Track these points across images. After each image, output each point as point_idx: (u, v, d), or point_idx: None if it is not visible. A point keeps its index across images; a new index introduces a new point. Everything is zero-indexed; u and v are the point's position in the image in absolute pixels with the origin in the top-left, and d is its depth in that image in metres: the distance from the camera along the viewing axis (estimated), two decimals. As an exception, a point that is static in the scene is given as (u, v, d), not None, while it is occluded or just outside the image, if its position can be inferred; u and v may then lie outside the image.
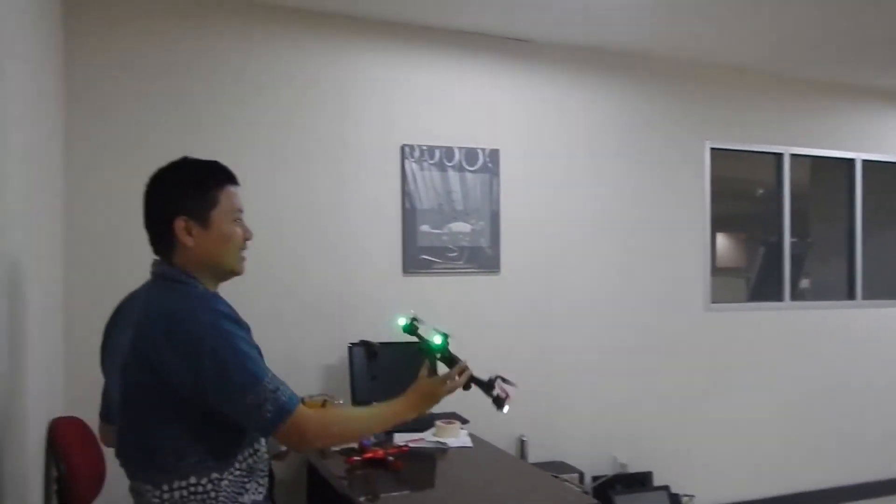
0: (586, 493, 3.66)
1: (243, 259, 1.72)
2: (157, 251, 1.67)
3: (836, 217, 4.98)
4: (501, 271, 3.87)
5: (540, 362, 3.95)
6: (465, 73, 3.84)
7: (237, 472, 1.60)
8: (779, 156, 4.66)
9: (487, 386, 1.97)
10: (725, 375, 4.42)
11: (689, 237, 4.36)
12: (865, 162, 4.88)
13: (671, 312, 4.30)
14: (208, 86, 3.34)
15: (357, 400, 3.30)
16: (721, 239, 4.74)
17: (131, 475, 1.63)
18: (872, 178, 4.90)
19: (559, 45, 4.00)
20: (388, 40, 3.69)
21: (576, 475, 3.67)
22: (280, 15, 3.47)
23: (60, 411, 2.46)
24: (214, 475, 1.56)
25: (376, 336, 3.30)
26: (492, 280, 3.86)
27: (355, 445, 2.77)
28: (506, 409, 1.98)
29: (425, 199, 3.72)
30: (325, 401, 3.25)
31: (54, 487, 2.19)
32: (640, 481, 4.00)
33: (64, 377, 2.89)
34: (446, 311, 3.74)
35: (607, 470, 4.02)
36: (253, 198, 1.75)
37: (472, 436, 3.12)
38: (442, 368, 1.94)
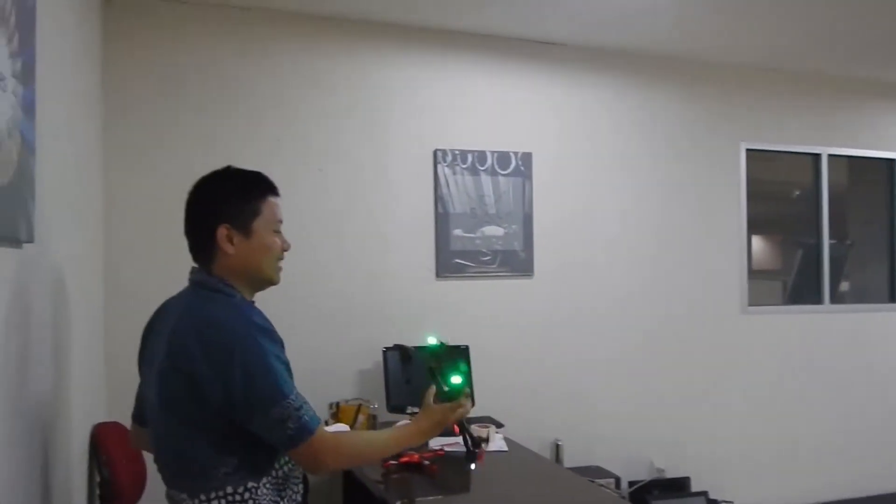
0: (623, 497, 3.62)
1: (280, 269, 1.73)
2: (196, 258, 1.69)
3: (876, 218, 4.88)
4: (535, 274, 3.86)
5: (574, 365, 3.92)
6: (497, 77, 3.84)
7: (273, 481, 1.60)
8: (816, 156, 4.57)
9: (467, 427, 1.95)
10: (764, 379, 4.34)
11: (724, 239, 4.30)
12: (906, 161, 4.78)
13: (707, 315, 4.24)
14: (242, 94, 3.38)
15: (391, 404, 3.31)
16: (757, 241, 4.66)
17: (167, 482, 1.64)
18: (914, 178, 4.79)
19: (590, 48, 3.98)
20: (419, 46, 3.70)
21: (612, 480, 3.64)
22: (312, 23, 3.50)
23: (102, 416, 2.51)
24: (251, 484, 1.56)
25: (411, 340, 3.30)
26: (525, 283, 3.85)
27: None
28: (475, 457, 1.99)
29: (458, 203, 3.72)
30: (360, 405, 3.28)
31: (97, 491, 2.23)
32: (678, 487, 3.95)
33: (105, 383, 2.94)
34: (479, 314, 3.74)
35: (644, 475, 3.98)
36: (287, 204, 1.76)
37: (507, 440, 3.10)
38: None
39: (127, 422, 1.93)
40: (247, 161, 1.77)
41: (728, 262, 4.31)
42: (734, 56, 4.20)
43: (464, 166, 3.73)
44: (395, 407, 3.29)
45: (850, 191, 5.05)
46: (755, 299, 4.40)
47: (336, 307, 3.50)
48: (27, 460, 1.62)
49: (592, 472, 3.66)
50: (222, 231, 1.63)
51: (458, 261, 3.71)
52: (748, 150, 4.37)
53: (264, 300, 1.72)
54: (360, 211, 3.57)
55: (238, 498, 1.55)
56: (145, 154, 3.23)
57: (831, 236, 4.59)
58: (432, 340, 2.13)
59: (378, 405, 3.32)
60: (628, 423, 4.02)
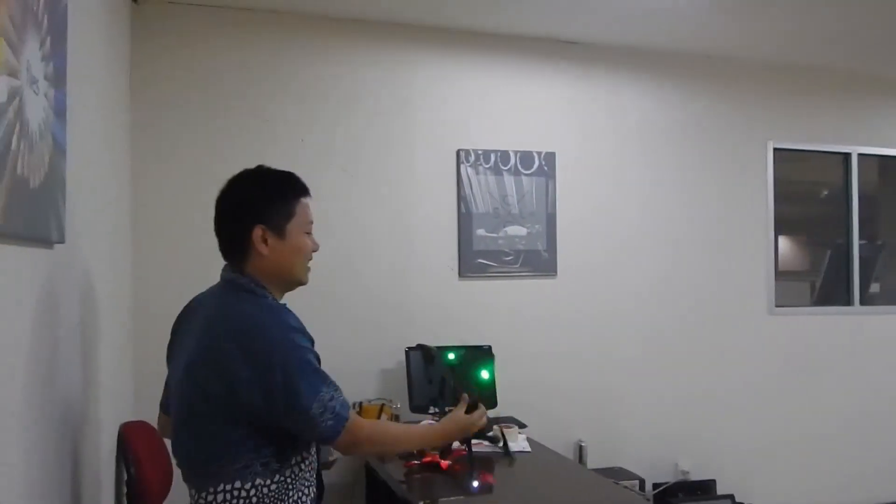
0: (647, 500, 3.59)
1: (309, 270, 1.75)
2: (227, 257, 1.70)
3: (908, 218, 4.79)
4: (558, 274, 3.84)
5: (598, 366, 3.89)
6: (520, 77, 3.83)
7: (281, 481, 1.61)
8: (846, 155, 4.50)
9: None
10: (792, 381, 4.28)
11: (751, 239, 4.25)
12: (939, 160, 4.68)
13: (733, 316, 4.19)
14: (268, 95, 3.41)
15: (414, 404, 3.32)
16: (784, 241, 4.60)
17: (184, 476, 1.67)
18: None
19: (614, 46, 3.95)
20: (441, 47, 3.70)
21: (636, 482, 3.61)
22: (337, 26, 3.52)
23: (130, 416, 2.54)
24: (259, 481, 1.57)
25: (433, 340, 3.31)
26: (548, 283, 3.83)
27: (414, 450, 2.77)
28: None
29: (481, 203, 3.71)
30: (382, 405, 3.29)
31: (124, 490, 2.25)
32: (703, 489, 3.90)
33: (132, 382, 2.98)
34: (502, 315, 3.73)
35: (668, 477, 3.94)
36: (311, 205, 1.77)
37: (530, 440, 3.10)
38: None
39: (154, 421, 1.95)
40: (272, 161, 1.78)
41: (755, 262, 4.25)
42: (761, 53, 4.14)
43: (487, 166, 3.72)
44: (418, 407, 3.29)
45: (882, 191, 4.96)
46: (782, 300, 4.34)
47: (359, 307, 3.51)
48: (57, 457, 1.65)
49: (616, 474, 3.63)
50: (257, 232, 1.64)
51: (480, 261, 3.71)
52: (776, 149, 4.30)
53: (288, 301, 1.73)
54: (384, 211, 3.58)
55: (244, 494, 1.57)
56: (172, 155, 3.26)
57: (861, 237, 4.51)
58: (451, 356, 2.30)
59: (401, 405, 3.33)
60: (653, 424, 3.98)
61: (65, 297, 1.74)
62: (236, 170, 1.74)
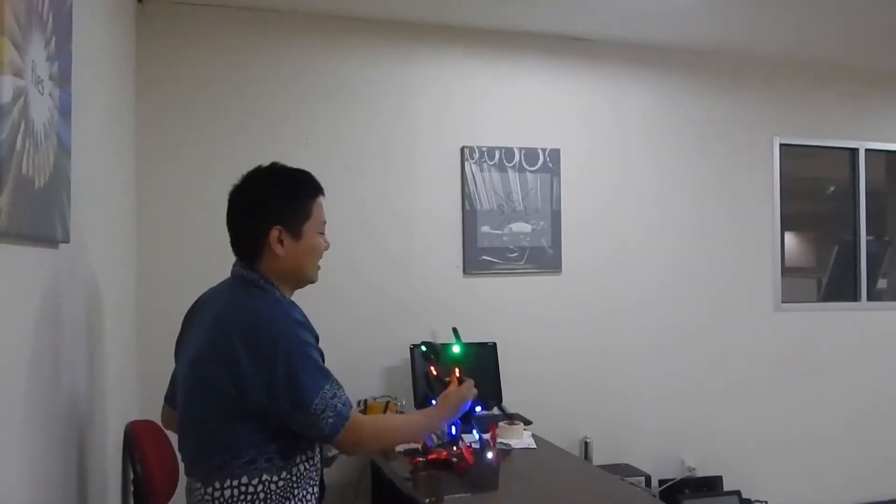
0: (654, 496, 3.59)
1: (318, 269, 1.76)
2: (239, 253, 1.70)
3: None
4: (563, 271, 3.83)
5: (604, 363, 3.89)
6: (524, 73, 3.82)
7: (287, 478, 1.62)
8: (853, 151, 4.48)
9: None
10: (798, 377, 4.27)
11: (757, 235, 4.23)
12: (947, 155, 4.65)
13: (739, 312, 4.18)
14: (272, 94, 3.42)
15: (419, 402, 3.32)
16: (791, 238, 4.58)
17: (188, 470, 1.67)
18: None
19: (618, 43, 3.94)
20: (446, 44, 3.69)
21: (641, 478, 3.61)
22: (341, 24, 3.52)
23: (136, 414, 2.55)
24: (265, 477, 1.58)
25: (438, 337, 3.31)
26: (553, 280, 3.83)
27: (419, 447, 2.77)
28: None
29: (485, 200, 3.71)
30: (388, 403, 3.29)
31: (131, 488, 2.26)
32: (710, 486, 3.90)
33: (138, 380, 2.99)
34: (507, 311, 3.73)
35: (674, 473, 3.94)
36: (324, 202, 1.78)
37: (535, 437, 3.09)
38: None
39: (159, 419, 1.96)
40: (276, 159, 1.78)
41: (761, 258, 4.24)
42: (767, 49, 4.12)
43: (491, 163, 3.72)
44: (423, 404, 3.29)
45: (889, 186, 4.93)
46: (789, 296, 4.32)
47: (364, 305, 3.52)
48: (63, 457, 1.66)
49: (622, 470, 3.63)
50: (274, 233, 1.65)
51: (485, 258, 3.71)
52: (782, 144, 4.29)
53: (293, 298, 1.73)
54: (388, 208, 3.58)
55: (251, 489, 1.57)
56: (177, 155, 3.27)
57: (869, 233, 4.49)
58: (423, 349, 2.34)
59: (406, 402, 3.34)
60: (659, 421, 3.98)
61: (70, 296, 1.74)
62: (241, 169, 1.74)
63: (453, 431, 2.47)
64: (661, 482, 3.86)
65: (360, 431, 1.62)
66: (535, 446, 3.00)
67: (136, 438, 2.24)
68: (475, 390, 1.98)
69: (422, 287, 3.61)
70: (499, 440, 2.98)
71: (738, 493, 3.85)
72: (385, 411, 3.23)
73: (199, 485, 1.60)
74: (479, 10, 3.51)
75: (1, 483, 1.18)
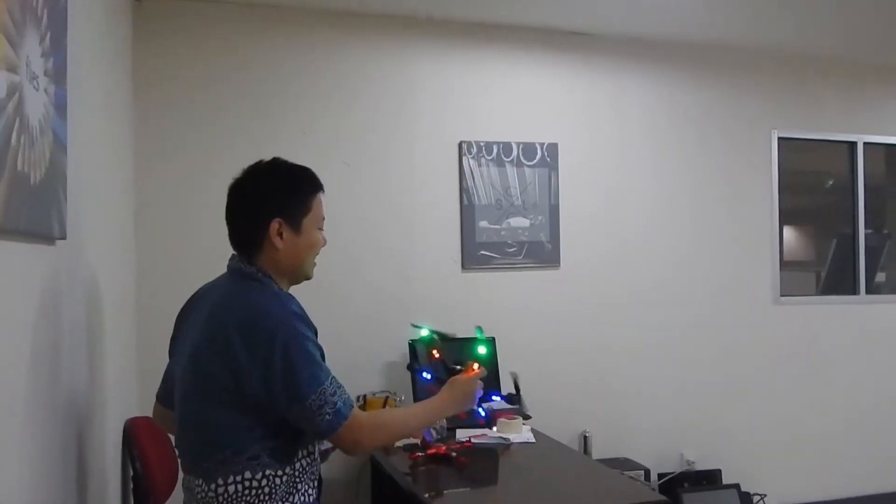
0: (653, 490, 3.59)
1: (315, 265, 1.76)
2: (238, 247, 1.70)
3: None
4: (561, 265, 3.83)
5: (603, 357, 3.89)
6: (522, 67, 3.81)
7: (291, 472, 1.61)
8: (852, 144, 4.47)
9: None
10: (797, 370, 4.27)
11: (756, 229, 4.23)
12: (945, 147, 4.65)
13: (738, 306, 4.18)
14: (270, 90, 3.41)
15: (418, 397, 3.32)
16: (789, 231, 4.58)
17: (187, 467, 1.66)
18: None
19: (617, 36, 3.93)
20: (443, 39, 3.69)
21: (641, 472, 3.61)
22: (338, 19, 3.51)
23: (135, 411, 2.55)
24: (269, 472, 1.58)
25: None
26: (552, 274, 3.83)
27: (418, 442, 2.78)
28: None
29: (483, 194, 3.71)
30: (387, 398, 3.29)
31: (130, 485, 2.27)
32: (709, 479, 3.91)
33: (137, 377, 2.99)
34: (506, 306, 3.73)
35: (674, 467, 3.94)
36: (323, 199, 1.78)
37: (534, 431, 3.10)
38: None
39: (155, 419, 1.96)
40: (276, 156, 1.78)
41: (760, 252, 4.24)
42: (765, 42, 4.11)
43: (489, 158, 3.72)
44: (422, 399, 3.29)
45: (888, 180, 4.93)
46: (788, 290, 4.32)
47: (362, 300, 3.52)
48: (61, 453, 1.66)
49: (621, 464, 3.64)
50: (274, 225, 1.65)
51: (483, 252, 3.71)
52: (780, 138, 4.28)
53: (293, 294, 1.73)
54: (386, 204, 3.58)
55: (255, 485, 1.57)
56: (176, 152, 3.27)
57: (867, 226, 4.49)
58: (424, 332, 2.28)
59: (405, 397, 3.34)
60: (658, 415, 3.99)
61: (68, 293, 1.74)
62: (240, 166, 1.74)
63: (482, 413, 2.36)
64: (661, 476, 3.86)
65: (359, 431, 1.61)
66: (534, 441, 3.00)
67: (136, 436, 2.24)
68: (481, 383, 1.90)
69: (420, 282, 3.61)
70: (498, 435, 2.99)
71: (737, 486, 3.86)
72: (384, 406, 3.24)
73: (200, 481, 1.59)
74: (476, 4, 3.50)
75: (0, 481, 1.18)
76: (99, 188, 2.27)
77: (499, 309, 3.71)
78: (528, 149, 3.78)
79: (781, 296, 4.28)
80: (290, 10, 3.44)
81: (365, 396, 3.30)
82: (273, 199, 1.67)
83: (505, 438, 2.95)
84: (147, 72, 3.20)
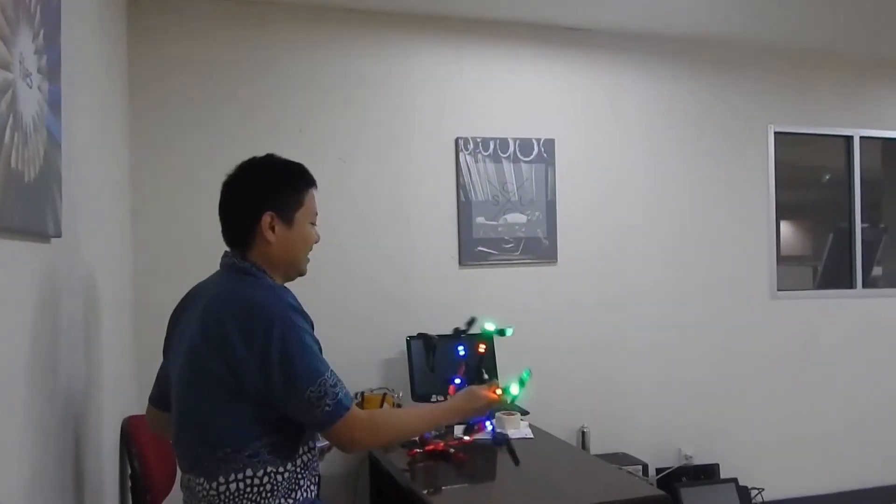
0: (651, 484, 3.60)
1: (308, 261, 1.76)
2: (231, 242, 1.70)
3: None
4: (559, 261, 3.84)
5: (600, 352, 3.90)
6: (518, 63, 3.81)
7: (292, 468, 1.61)
8: (848, 138, 4.48)
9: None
10: (794, 365, 4.28)
11: (752, 223, 4.24)
12: (941, 141, 4.65)
13: (735, 300, 4.19)
14: (266, 87, 3.40)
15: (416, 393, 3.32)
16: (786, 226, 4.59)
17: (186, 467, 1.64)
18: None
19: (614, 32, 3.93)
20: (440, 34, 3.68)
21: (639, 467, 3.62)
22: (334, 15, 3.50)
23: (133, 410, 2.55)
24: (270, 468, 1.57)
25: (434, 329, 3.31)
26: (549, 270, 3.83)
27: (416, 438, 2.78)
28: None
29: (480, 191, 3.71)
30: (385, 395, 3.29)
31: (129, 484, 2.26)
32: (707, 474, 3.91)
33: (135, 375, 2.99)
34: (503, 302, 3.73)
35: (672, 462, 3.95)
36: (316, 195, 1.77)
37: (532, 427, 3.10)
38: None
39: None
40: (272, 152, 1.78)
41: (756, 246, 4.25)
42: (761, 37, 4.11)
43: (486, 154, 3.71)
44: (420, 396, 3.30)
45: (884, 174, 4.94)
46: (785, 284, 4.33)
47: (359, 297, 3.51)
48: (59, 452, 1.65)
49: (619, 459, 3.64)
50: (266, 218, 1.65)
51: (480, 248, 3.70)
52: (777, 132, 4.29)
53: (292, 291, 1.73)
54: (383, 200, 3.57)
55: (257, 482, 1.56)
56: (172, 149, 3.26)
57: (864, 220, 4.49)
58: (489, 326, 2.25)
59: (403, 394, 3.34)
60: (656, 410, 3.99)
61: (64, 291, 1.74)
62: (235, 163, 1.74)
63: (489, 427, 2.36)
64: (659, 470, 3.87)
65: (357, 427, 1.59)
66: (532, 436, 3.01)
67: (134, 434, 2.24)
68: (495, 402, 1.89)
69: (417, 278, 3.61)
70: (496, 430, 2.99)
71: (734, 480, 3.86)
72: (382, 403, 3.24)
73: (201, 480, 1.58)
74: (473, 0, 3.49)
75: (-4, 479, 1.18)
76: (94, 185, 2.26)
77: (496, 305, 3.71)
78: (525, 144, 3.78)
79: (778, 290, 4.28)
80: (286, 6, 3.43)
81: (363, 393, 3.30)
82: (265, 193, 1.67)
83: (503, 434, 2.95)
84: (142, 69, 3.19)
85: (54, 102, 1.58)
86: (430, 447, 2.71)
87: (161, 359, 1.80)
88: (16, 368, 1.32)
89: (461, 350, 2.57)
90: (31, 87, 1.39)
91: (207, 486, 1.57)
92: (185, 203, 3.22)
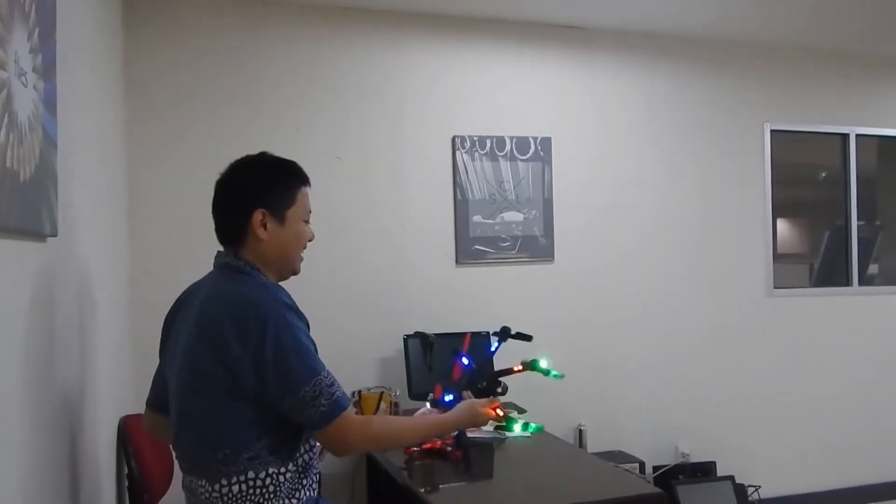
0: (648, 482, 3.60)
1: (302, 259, 1.75)
2: (223, 240, 1.69)
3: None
4: (556, 259, 3.84)
5: (598, 349, 3.90)
6: (515, 62, 3.81)
7: (294, 468, 1.60)
8: (844, 136, 4.48)
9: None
10: (791, 362, 4.29)
11: (749, 222, 4.24)
12: (937, 139, 4.67)
13: (732, 298, 4.19)
14: (262, 86, 3.40)
15: (413, 392, 3.32)
16: (782, 223, 4.59)
17: (187, 468, 1.64)
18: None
19: (611, 30, 3.93)
20: (436, 33, 3.68)
21: (636, 465, 3.63)
22: (330, 14, 3.50)
23: (130, 409, 2.54)
24: (272, 470, 1.56)
25: (431, 327, 3.32)
26: (546, 268, 3.83)
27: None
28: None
29: (477, 189, 3.71)
30: (382, 393, 3.29)
31: (125, 483, 2.26)
32: (704, 471, 3.92)
33: (131, 375, 2.99)
34: (500, 300, 3.73)
35: (669, 460, 3.96)
36: (310, 193, 1.77)
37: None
38: None
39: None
40: (269, 150, 1.77)
41: (753, 244, 4.25)
42: (758, 36, 4.12)
43: (482, 152, 3.71)
44: (418, 394, 3.30)
45: (880, 171, 4.95)
46: (781, 282, 4.34)
47: (356, 296, 3.51)
48: (55, 452, 1.65)
49: (616, 457, 3.65)
50: (257, 215, 1.64)
51: (477, 247, 3.70)
52: (773, 130, 4.29)
53: (287, 290, 1.72)
54: (379, 198, 3.57)
55: (259, 483, 1.55)
56: (168, 148, 3.26)
57: (860, 218, 4.50)
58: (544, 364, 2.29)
59: (400, 392, 3.34)
60: (653, 408, 4.00)
61: (60, 290, 1.74)
62: (231, 160, 1.73)
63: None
64: (656, 468, 3.88)
65: (349, 430, 1.58)
66: (528, 434, 3.00)
67: (131, 433, 2.24)
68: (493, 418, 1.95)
69: (414, 277, 3.61)
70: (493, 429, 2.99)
71: (731, 478, 3.87)
72: (379, 402, 3.23)
73: (203, 482, 1.58)
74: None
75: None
76: (90, 184, 2.25)
77: (493, 303, 3.71)
78: (522, 143, 3.78)
79: (775, 288, 4.29)
80: (284, 5, 3.42)
81: (360, 392, 3.30)
82: (256, 191, 1.66)
83: (500, 433, 2.95)
84: (138, 67, 3.19)
85: (50, 101, 1.58)
86: (428, 445, 2.71)
87: (157, 361, 1.79)
88: (11, 368, 1.32)
89: (465, 361, 2.61)
90: (26, 86, 1.38)
91: (209, 489, 1.57)
92: (182, 202, 3.21)
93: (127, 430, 2.27)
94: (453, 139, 3.67)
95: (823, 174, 4.84)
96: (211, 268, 1.75)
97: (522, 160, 3.78)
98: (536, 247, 3.80)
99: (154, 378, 1.79)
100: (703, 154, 4.15)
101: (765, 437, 4.20)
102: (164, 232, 3.22)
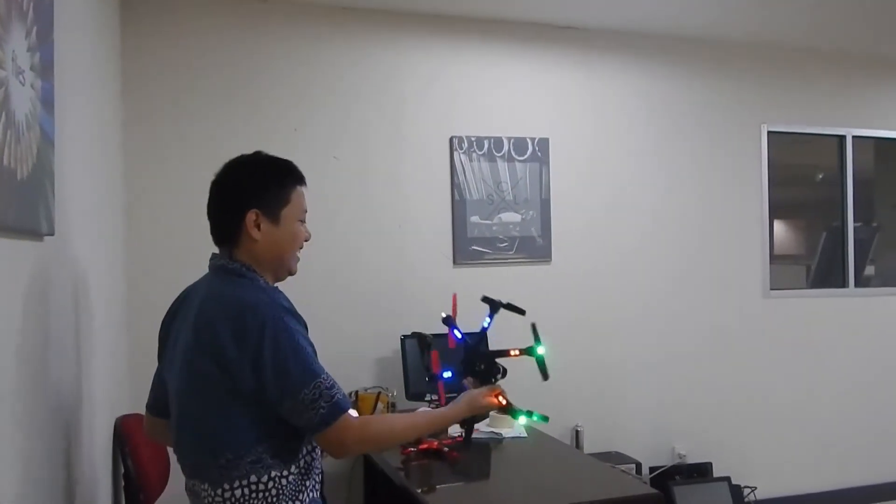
0: (644, 483, 3.61)
1: (298, 259, 1.74)
2: (218, 241, 1.68)
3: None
4: (553, 260, 3.84)
5: (595, 350, 3.90)
6: (513, 62, 3.81)
7: (297, 472, 1.59)
8: (841, 138, 4.49)
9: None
10: (787, 363, 4.29)
11: (746, 223, 4.25)
12: (934, 141, 4.68)
13: (728, 299, 4.20)
14: (260, 86, 3.39)
15: (411, 392, 3.32)
16: (779, 225, 4.60)
17: (189, 472, 1.63)
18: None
19: (609, 31, 3.93)
20: (435, 33, 3.68)
21: (632, 465, 3.63)
22: (328, 14, 3.50)
23: (126, 409, 2.54)
24: (275, 473, 1.55)
25: (428, 328, 3.30)
26: (543, 269, 3.83)
27: (411, 437, 2.77)
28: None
29: (475, 189, 3.71)
30: (379, 393, 3.29)
31: (122, 483, 2.25)
32: (700, 472, 3.93)
33: (128, 375, 2.98)
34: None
35: (665, 461, 3.96)
36: (306, 192, 1.76)
37: (526, 426, 3.10)
38: None
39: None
40: (266, 150, 1.77)
41: (749, 245, 4.26)
42: (755, 37, 4.12)
43: (480, 153, 3.71)
44: (414, 394, 3.30)
45: (877, 173, 4.96)
46: (778, 283, 4.34)
47: (353, 296, 3.51)
48: (50, 452, 1.65)
49: (613, 458, 3.65)
50: (251, 216, 1.62)
51: (475, 247, 3.70)
52: (770, 132, 4.30)
53: (283, 290, 1.72)
54: (377, 199, 3.57)
55: (262, 487, 1.54)
56: (166, 147, 3.25)
57: (856, 219, 4.51)
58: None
59: (396, 393, 3.34)
60: (649, 409, 4.00)
61: (56, 289, 1.73)
62: (229, 159, 1.73)
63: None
64: (652, 469, 3.88)
65: (348, 432, 1.56)
66: (525, 435, 3.01)
67: (127, 433, 2.24)
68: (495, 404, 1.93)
69: (412, 277, 3.61)
70: (490, 429, 2.99)
71: (727, 479, 3.87)
72: (376, 402, 3.23)
73: (206, 486, 1.56)
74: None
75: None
76: (88, 183, 2.25)
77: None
78: (520, 143, 3.78)
79: (771, 289, 4.30)
80: (282, 4, 3.42)
81: (357, 392, 3.30)
82: (250, 190, 1.64)
83: (497, 433, 2.96)
84: (136, 66, 3.18)
85: (47, 100, 1.57)
86: (425, 445, 2.71)
87: (155, 364, 1.77)
88: (6, 367, 1.32)
89: (458, 334, 2.55)
90: (23, 85, 1.38)
91: (213, 493, 1.56)
92: (180, 201, 3.20)
93: (123, 430, 2.27)
94: (451, 140, 3.68)
95: (820, 175, 4.85)
96: (207, 267, 1.74)
97: (520, 161, 3.78)
98: (534, 247, 3.80)
99: (153, 381, 1.77)
100: (700, 155, 4.16)
101: (761, 438, 4.21)
102: (161, 231, 3.22)
